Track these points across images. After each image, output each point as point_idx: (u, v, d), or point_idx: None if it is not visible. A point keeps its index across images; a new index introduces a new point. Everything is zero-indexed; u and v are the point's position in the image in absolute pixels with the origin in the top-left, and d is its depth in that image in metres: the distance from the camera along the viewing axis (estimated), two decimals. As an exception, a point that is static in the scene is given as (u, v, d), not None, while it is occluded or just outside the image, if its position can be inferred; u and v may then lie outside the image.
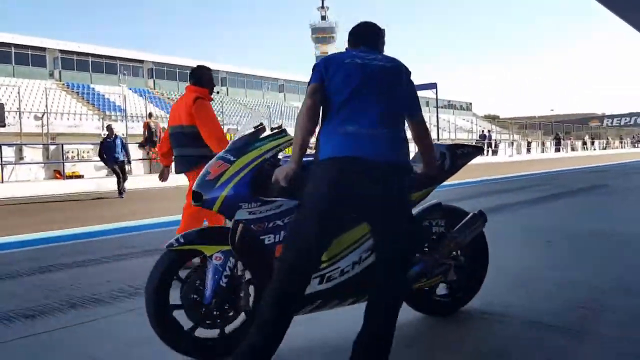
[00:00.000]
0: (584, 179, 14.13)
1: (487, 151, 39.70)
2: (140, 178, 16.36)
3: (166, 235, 3.19)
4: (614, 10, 8.41)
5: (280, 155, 2.65)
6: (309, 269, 2.29)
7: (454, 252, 3.00)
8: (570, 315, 3.03)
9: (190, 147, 4.46)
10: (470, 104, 72.62)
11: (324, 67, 2.37)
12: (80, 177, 17.02)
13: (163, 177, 5.12)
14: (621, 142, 67.22)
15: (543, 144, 49.33)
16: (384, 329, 2.25)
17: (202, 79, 4.64)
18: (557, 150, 46.40)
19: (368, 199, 2.26)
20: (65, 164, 17.02)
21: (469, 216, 3.00)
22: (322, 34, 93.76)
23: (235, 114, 34.94)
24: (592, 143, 58.34)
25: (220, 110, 26.16)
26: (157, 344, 2.48)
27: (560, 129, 58.05)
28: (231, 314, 2.55)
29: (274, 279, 2.22)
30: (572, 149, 50.42)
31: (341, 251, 2.57)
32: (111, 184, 14.34)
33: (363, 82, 2.32)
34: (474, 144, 41.21)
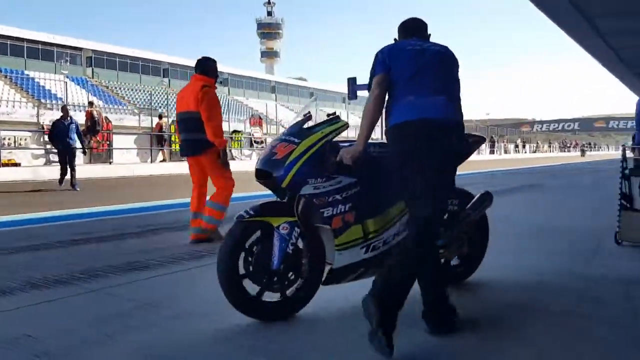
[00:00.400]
0: (521, 179, 15.07)
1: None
2: (80, 168, 15.77)
3: (116, 223, 3.19)
4: (553, 19, 9.00)
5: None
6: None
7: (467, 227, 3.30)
8: (522, 295, 3.29)
9: (194, 132, 4.81)
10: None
11: (388, 56, 2.68)
12: (17, 165, 16.20)
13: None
14: (550, 146, 71.17)
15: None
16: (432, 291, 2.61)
17: (208, 69, 4.97)
18: (492, 152, 48.45)
19: (427, 153, 2.54)
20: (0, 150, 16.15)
21: (477, 196, 3.29)
22: (268, 30, 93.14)
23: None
24: (524, 146, 61.59)
25: (149, 100, 25.24)
26: (123, 319, 2.51)
27: (495, 132, 60.70)
28: (293, 278, 2.80)
29: (414, 230, 2.57)
30: (506, 152, 52.86)
31: (386, 224, 2.89)
32: (49, 172, 13.71)
33: (423, 63, 2.67)
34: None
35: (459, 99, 2.74)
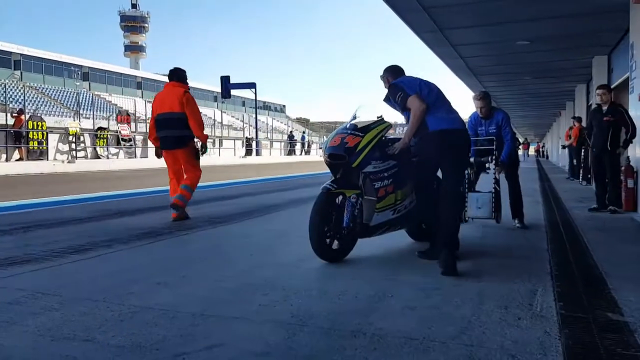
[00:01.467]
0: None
1: (301, 151, 42.03)
2: None
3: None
4: (414, 30, 9.91)
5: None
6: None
7: None
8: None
9: (178, 129, 5.85)
10: (284, 106, 75.57)
11: (408, 85, 3.98)
12: None
13: (159, 155, 6.20)
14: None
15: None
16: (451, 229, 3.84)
17: (183, 77, 6.05)
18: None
19: (452, 149, 3.88)
20: None
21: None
22: (132, 23, 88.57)
23: (31, 102, 31.05)
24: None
25: (3, 95, 22.79)
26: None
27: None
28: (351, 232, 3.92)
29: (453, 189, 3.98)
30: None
31: (406, 195, 4.14)
32: None
33: (437, 91, 4.05)
34: (289, 142, 42.48)
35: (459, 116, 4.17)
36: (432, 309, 2.78)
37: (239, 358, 2.15)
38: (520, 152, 36.85)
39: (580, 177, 12.59)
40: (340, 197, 3.92)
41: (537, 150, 55.08)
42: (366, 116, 4.24)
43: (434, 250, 3.87)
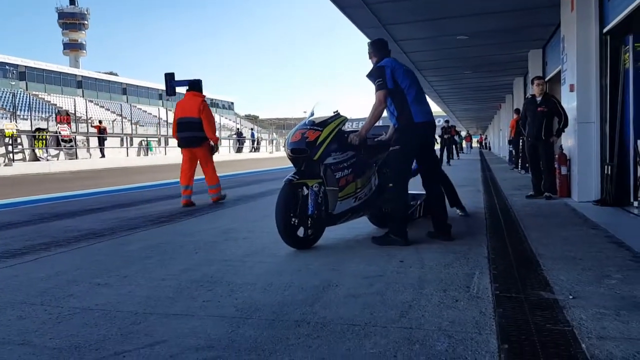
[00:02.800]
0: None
1: (251, 148, 41.71)
2: None
3: None
4: (355, 24, 10.02)
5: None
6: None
7: None
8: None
9: (195, 131, 7.14)
10: (232, 103, 74.72)
11: (393, 71, 4.23)
12: None
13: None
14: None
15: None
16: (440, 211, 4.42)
17: (200, 88, 7.42)
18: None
19: (432, 139, 4.50)
20: None
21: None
22: (70, 20, 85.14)
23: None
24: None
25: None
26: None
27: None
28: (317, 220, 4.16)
29: (395, 194, 4.25)
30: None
31: (365, 183, 4.43)
32: None
33: (417, 82, 4.37)
34: (237, 139, 42.08)
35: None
36: (375, 296, 2.84)
37: (181, 354, 2.13)
38: (464, 145, 37.98)
39: (519, 167, 13.13)
40: (304, 188, 4.12)
41: (480, 142, 56.90)
42: (323, 112, 4.46)
43: (388, 236, 4.20)
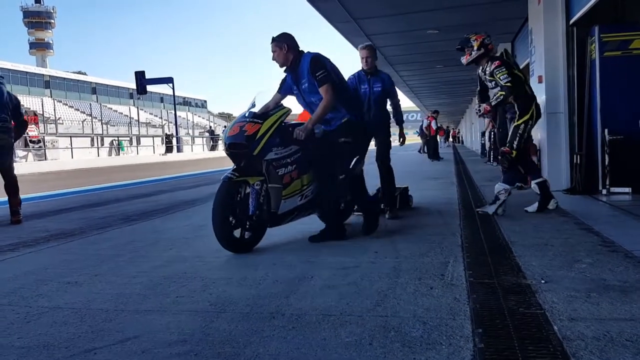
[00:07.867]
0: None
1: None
2: None
3: None
4: (329, 20, 10.01)
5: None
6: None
7: None
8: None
9: None
10: (205, 101, 74.02)
11: (332, 68, 4.05)
12: None
13: None
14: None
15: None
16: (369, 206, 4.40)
17: None
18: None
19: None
20: None
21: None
22: (36, 19, 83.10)
23: None
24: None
25: None
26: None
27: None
28: (258, 221, 3.84)
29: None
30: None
31: (311, 180, 4.10)
32: None
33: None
34: (210, 137, 41.79)
35: None
36: (351, 286, 2.83)
37: (153, 349, 2.09)
38: (438, 138, 38.43)
39: (491, 159, 13.32)
40: (245, 186, 3.85)
41: (453, 136, 57.57)
42: (266, 102, 4.14)
43: (325, 232, 4.10)
